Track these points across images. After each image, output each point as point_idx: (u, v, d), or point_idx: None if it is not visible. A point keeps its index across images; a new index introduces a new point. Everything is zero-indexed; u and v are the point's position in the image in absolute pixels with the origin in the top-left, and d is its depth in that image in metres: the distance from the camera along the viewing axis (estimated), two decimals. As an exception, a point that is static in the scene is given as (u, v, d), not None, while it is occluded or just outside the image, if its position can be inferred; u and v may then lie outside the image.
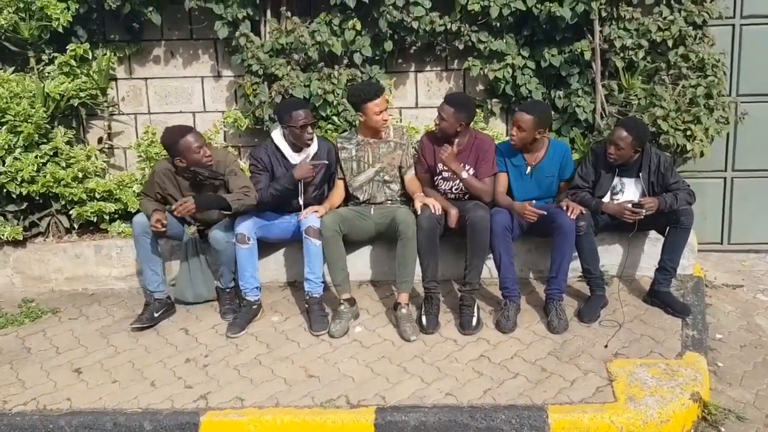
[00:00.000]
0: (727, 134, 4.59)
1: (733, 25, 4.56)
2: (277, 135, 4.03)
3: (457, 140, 3.90)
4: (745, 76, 4.61)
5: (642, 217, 3.67)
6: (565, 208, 3.73)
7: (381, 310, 4.00)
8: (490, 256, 3.81)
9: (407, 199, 4.08)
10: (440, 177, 4.04)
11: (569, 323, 3.71)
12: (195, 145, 3.77)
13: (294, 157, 3.99)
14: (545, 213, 3.72)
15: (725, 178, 4.77)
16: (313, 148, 4.02)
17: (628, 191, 3.90)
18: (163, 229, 3.83)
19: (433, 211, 3.74)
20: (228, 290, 4.05)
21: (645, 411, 2.95)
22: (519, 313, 3.80)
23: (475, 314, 3.73)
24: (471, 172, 3.95)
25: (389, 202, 4.06)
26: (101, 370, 3.52)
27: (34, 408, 3.21)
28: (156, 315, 3.95)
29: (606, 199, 3.92)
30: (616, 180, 3.90)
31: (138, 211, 4.19)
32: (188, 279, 4.07)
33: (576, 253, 3.80)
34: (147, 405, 3.18)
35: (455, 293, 4.03)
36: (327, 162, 4.01)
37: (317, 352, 3.60)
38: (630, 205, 3.69)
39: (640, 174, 3.83)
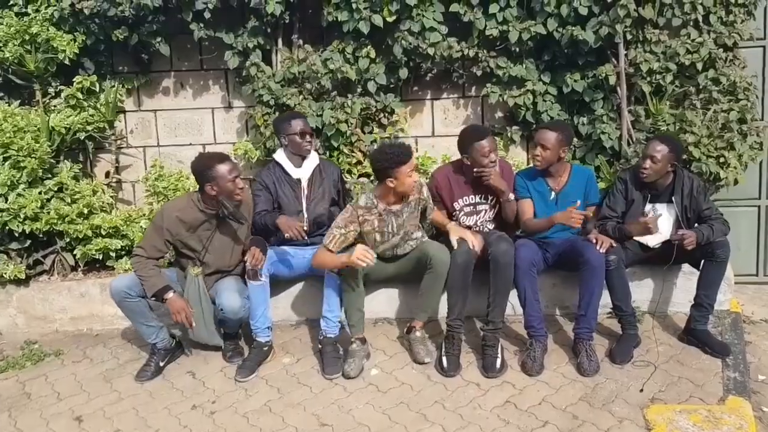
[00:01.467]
0: (761, 161, 4.36)
1: (764, 47, 4.35)
2: (279, 153, 3.98)
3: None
4: (776, 99, 4.40)
5: (684, 240, 3.44)
6: (594, 241, 3.51)
7: (398, 351, 3.78)
8: (514, 291, 3.60)
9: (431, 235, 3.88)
10: (462, 213, 3.83)
11: (600, 364, 3.46)
12: (232, 174, 3.54)
13: (295, 171, 3.89)
14: (590, 215, 3.59)
15: (759, 206, 4.52)
16: (314, 161, 3.93)
17: (662, 217, 3.68)
18: (190, 320, 3.59)
19: (471, 246, 3.53)
20: (233, 333, 3.86)
21: (689, 465, 2.71)
22: (546, 354, 3.56)
23: (499, 355, 3.50)
24: (493, 206, 3.80)
25: (411, 250, 3.76)
26: (103, 418, 3.34)
27: (32, 460, 3.03)
28: (161, 364, 3.74)
29: None
30: (648, 206, 3.69)
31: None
32: (202, 321, 3.73)
33: (606, 289, 3.57)
34: (150, 457, 2.99)
35: (477, 332, 3.81)
36: (306, 229, 3.75)
37: (331, 397, 3.38)
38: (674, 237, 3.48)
39: (673, 198, 3.63)
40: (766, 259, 4.58)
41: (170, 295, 3.52)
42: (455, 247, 3.55)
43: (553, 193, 3.75)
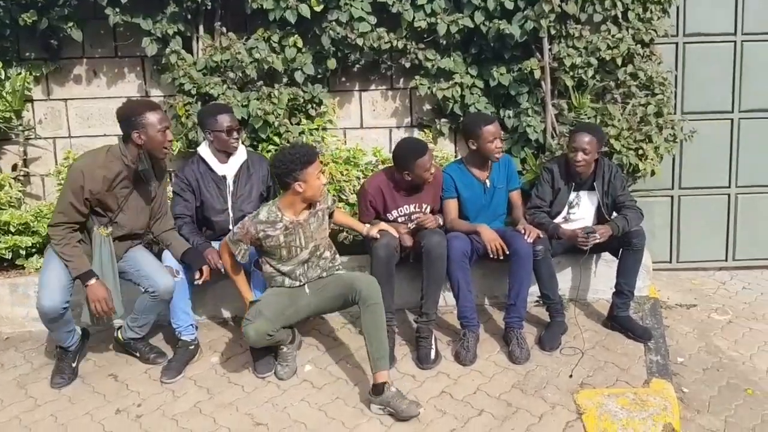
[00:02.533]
0: (674, 153, 4.57)
1: (677, 44, 4.55)
2: (203, 148, 3.78)
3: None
4: (689, 94, 4.61)
5: (597, 240, 3.57)
6: (523, 231, 3.57)
7: (331, 345, 3.73)
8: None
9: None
10: (394, 222, 3.77)
11: (530, 352, 3.54)
12: (162, 124, 3.23)
13: (220, 168, 3.72)
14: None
15: (672, 197, 4.74)
16: (241, 156, 3.76)
17: (584, 204, 3.81)
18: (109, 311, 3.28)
19: (395, 234, 3.54)
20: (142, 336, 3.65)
21: (619, 447, 2.80)
22: (478, 343, 3.60)
23: (433, 346, 3.51)
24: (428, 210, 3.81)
25: (325, 274, 3.44)
26: (19, 427, 3.12)
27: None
28: (74, 365, 3.51)
29: (563, 213, 3.82)
30: (573, 194, 3.81)
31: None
32: (112, 288, 3.32)
33: (534, 278, 3.65)
34: (72, 467, 2.82)
35: (410, 324, 3.81)
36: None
37: (264, 395, 3.29)
38: (581, 232, 3.59)
39: (595, 184, 3.75)
40: (679, 246, 4.81)
41: (93, 281, 3.22)
42: (377, 239, 3.51)
43: (488, 183, 3.78)
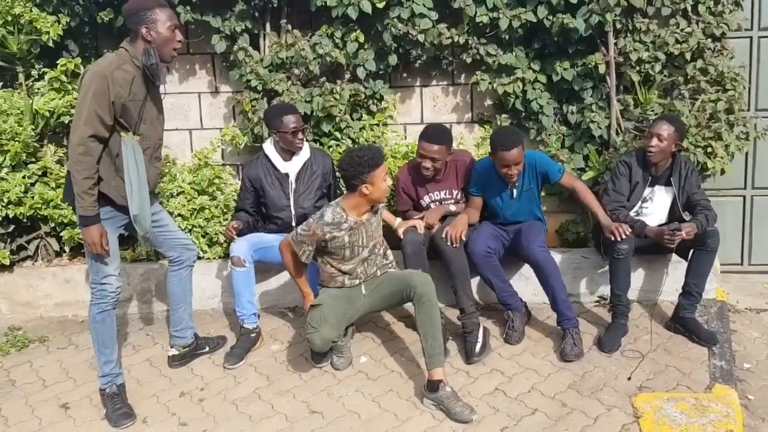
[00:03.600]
0: (746, 151, 4.41)
1: (751, 38, 4.37)
2: (268, 145, 3.91)
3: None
4: (763, 90, 4.42)
5: (683, 236, 3.46)
6: (609, 233, 3.51)
7: (387, 338, 3.79)
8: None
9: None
10: (427, 207, 3.90)
11: (589, 353, 3.50)
12: (173, 21, 3.07)
13: (283, 165, 3.84)
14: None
15: (744, 197, 4.57)
16: (305, 154, 3.87)
17: (658, 199, 3.74)
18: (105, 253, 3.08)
19: (419, 229, 3.66)
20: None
21: (676, 452, 2.74)
22: (526, 322, 3.73)
23: (479, 340, 3.51)
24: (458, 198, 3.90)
25: (379, 271, 3.50)
26: (90, 406, 3.31)
27: (17, 449, 3.00)
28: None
29: (635, 207, 3.74)
30: (648, 190, 3.74)
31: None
32: (138, 189, 3.06)
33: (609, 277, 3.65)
34: (138, 445, 2.97)
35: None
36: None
37: (320, 384, 3.38)
38: (668, 231, 3.48)
39: (672, 179, 3.67)
40: (751, 248, 4.63)
41: (95, 226, 3.00)
42: (403, 238, 3.63)
43: (514, 191, 3.77)
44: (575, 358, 3.43)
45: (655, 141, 3.56)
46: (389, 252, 3.55)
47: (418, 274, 3.32)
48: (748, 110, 4.38)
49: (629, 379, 3.27)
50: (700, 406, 3.02)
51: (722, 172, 4.08)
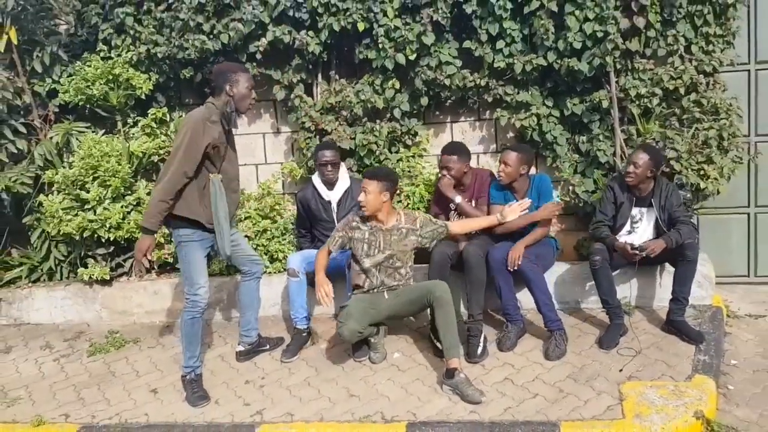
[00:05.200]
0: (749, 172, 4.87)
1: (749, 71, 4.86)
2: (315, 176, 4.71)
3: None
4: (763, 117, 4.88)
5: (642, 256, 3.99)
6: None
7: (417, 338, 4.43)
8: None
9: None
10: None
11: (590, 349, 4.04)
12: (250, 83, 3.83)
13: (326, 194, 4.60)
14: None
15: (749, 214, 5.00)
16: (344, 184, 4.60)
17: (647, 220, 4.23)
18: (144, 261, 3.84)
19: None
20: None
21: (649, 427, 3.24)
22: (522, 336, 4.24)
23: (481, 344, 4.09)
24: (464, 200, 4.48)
25: (401, 285, 4.14)
26: (174, 391, 4.06)
27: (118, 422, 3.76)
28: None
29: (627, 227, 4.25)
30: (635, 210, 4.23)
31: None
32: (222, 221, 3.81)
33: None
34: (211, 419, 3.69)
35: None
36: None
37: (359, 375, 4.04)
38: (629, 247, 4.02)
39: (652, 201, 4.15)
40: (756, 261, 5.04)
41: (149, 237, 3.71)
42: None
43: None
44: (557, 359, 3.96)
45: (631, 168, 4.09)
46: (411, 274, 4.19)
47: (436, 283, 3.94)
48: (748, 135, 4.85)
49: (621, 370, 3.78)
50: (678, 392, 3.51)
51: (718, 192, 4.54)
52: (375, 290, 4.14)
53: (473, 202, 4.49)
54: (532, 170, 4.60)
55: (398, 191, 4.64)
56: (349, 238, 4.13)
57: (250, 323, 4.35)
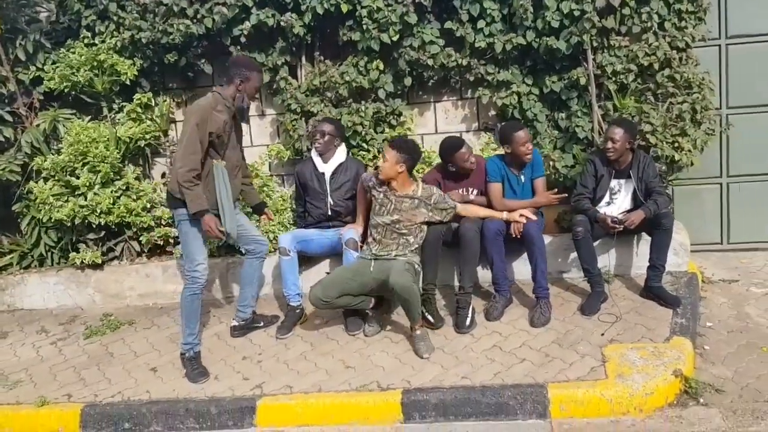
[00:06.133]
0: (720, 144, 5.07)
1: (719, 45, 5.04)
2: (313, 150, 4.84)
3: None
4: (733, 90, 5.08)
5: (620, 229, 4.18)
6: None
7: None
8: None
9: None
10: None
11: (573, 316, 4.23)
12: (260, 83, 4.10)
13: (321, 166, 4.75)
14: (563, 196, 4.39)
15: (721, 184, 5.22)
16: (339, 158, 4.72)
17: (625, 191, 4.41)
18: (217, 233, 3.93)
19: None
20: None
21: (631, 385, 3.44)
22: (508, 306, 4.42)
23: (470, 315, 4.26)
24: (474, 193, 4.59)
25: (399, 256, 4.20)
26: (173, 369, 4.17)
27: (120, 399, 3.87)
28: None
29: (606, 199, 4.42)
30: (614, 182, 4.41)
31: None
32: (228, 205, 3.98)
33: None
34: (212, 394, 3.82)
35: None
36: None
37: (354, 347, 4.19)
38: (610, 220, 4.21)
39: (631, 172, 4.33)
40: (729, 229, 5.27)
41: (207, 215, 3.85)
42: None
43: (523, 177, 4.51)
44: (542, 326, 4.16)
45: (610, 144, 4.26)
46: (417, 251, 4.29)
47: (400, 275, 3.97)
48: (720, 108, 5.05)
49: (602, 335, 3.98)
50: (657, 353, 3.72)
51: (691, 163, 4.73)
52: (369, 253, 4.28)
53: (478, 192, 4.59)
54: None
55: (417, 169, 4.75)
56: (371, 192, 4.34)
57: (246, 300, 4.47)
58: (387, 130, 5.24)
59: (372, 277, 4.22)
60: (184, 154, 3.79)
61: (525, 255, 4.60)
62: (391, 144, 4.25)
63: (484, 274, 4.73)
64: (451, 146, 4.46)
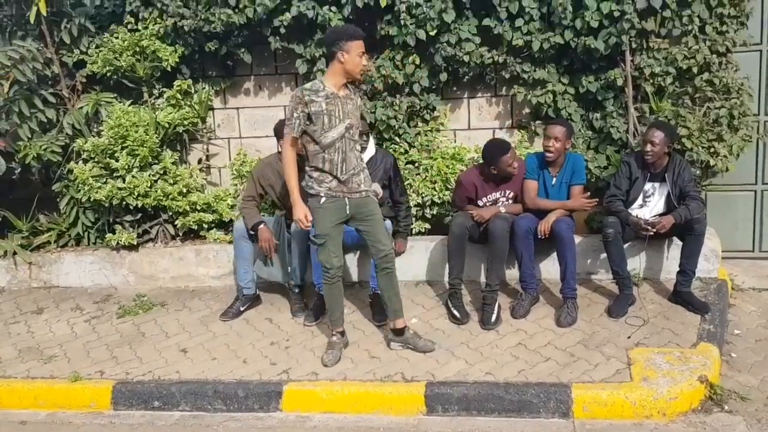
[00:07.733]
0: (756, 151, 5.01)
1: (761, 51, 4.98)
2: None
3: None
4: (775, 96, 5.02)
5: (652, 233, 4.17)
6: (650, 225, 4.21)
7: (434, 305, 4.63)
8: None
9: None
10: (484, 206, 4.58)
11: (600, 318, 4.23)
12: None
13: None
14: (594, 202, 4.42)
15: (756, 191, 5.15)
16: (371, 152, 4.72)
17: (659, 194, 4.39)
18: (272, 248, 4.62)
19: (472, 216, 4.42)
20: (297, 290, 4.72)
21: (656, 389, 3.45)
22: (534, 304, 4.44)
23: (495, 312, 4.28)
24: (510, 198, 4.60)
25: (363, 185, 3.93)
26: (203, 350, 4.29)
27: (151, 378, 3.99)
28: (242, 309, 4.73)
29: (639, 201, 4.41)
30: (649, 185, 4.39)
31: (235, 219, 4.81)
32: (280, 251, 4.69)
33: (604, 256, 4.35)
34: (240, 377, 3.91)
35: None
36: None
37: (378, 338, 4.26)
38: (642, 222, 4.20)
39: (666, 176, 4.31)
40: (762, 237, 5.21)
41: (262, 226, 4.55)
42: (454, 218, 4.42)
43: (554, 179, 4.51)
44: (568, 326, 4.16)
45: (649, 147, 4.24)
46: (368, 177, 4.03)
47: (388, 248, 3.95)
48: (758, 114, 4.99)
49: (629, 337, 3.99)
50: (684, 358, 3.72)
51: (726, 169, 4.69)
52: (339, 194, 3.87)
53: (514, 196, 4.60)
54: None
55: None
56: (308, 115, 3.75)
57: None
58: (420, 124, 5.27)
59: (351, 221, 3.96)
60: (244, 193, 4.71)
61: (553, 254, 4.62)
62: (351, 33, 3.76)
63: (511, 272, 4.73)
64: (497, 150, 4.40)
